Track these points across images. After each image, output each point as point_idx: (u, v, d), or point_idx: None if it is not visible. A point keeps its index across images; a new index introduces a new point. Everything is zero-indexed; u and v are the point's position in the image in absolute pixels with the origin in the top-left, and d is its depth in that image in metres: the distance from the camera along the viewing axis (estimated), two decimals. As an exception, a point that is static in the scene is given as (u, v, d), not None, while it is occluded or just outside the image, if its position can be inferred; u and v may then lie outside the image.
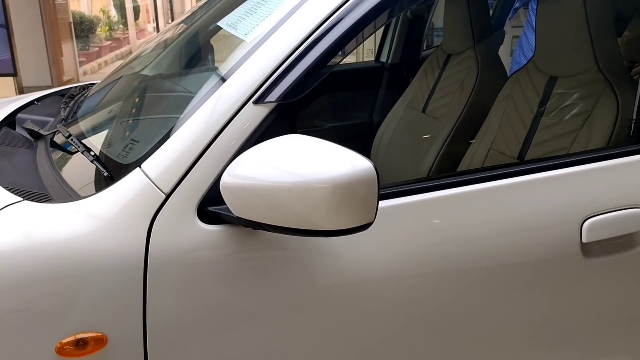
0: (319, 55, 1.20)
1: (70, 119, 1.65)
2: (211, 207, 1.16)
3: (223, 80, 1.24)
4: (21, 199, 1.21)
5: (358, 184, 1.00)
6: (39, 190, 1.29)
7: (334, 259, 1.21)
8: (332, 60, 1.23)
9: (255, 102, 1.18)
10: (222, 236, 1.16)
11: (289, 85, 1.18)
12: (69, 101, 1.85)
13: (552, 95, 1.82)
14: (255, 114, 1.18)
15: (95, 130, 1.52)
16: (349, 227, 1.03)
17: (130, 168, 1.21)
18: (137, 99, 1.60)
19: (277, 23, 1.27)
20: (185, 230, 1.15)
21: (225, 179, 1.09)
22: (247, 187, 1.06)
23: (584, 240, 1.33)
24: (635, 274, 1.41)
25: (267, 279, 1.19)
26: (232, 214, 1.12)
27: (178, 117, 1.25)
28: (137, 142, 1.33)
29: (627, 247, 1.37)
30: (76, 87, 2.12)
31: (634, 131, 1.46)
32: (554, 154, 1.74)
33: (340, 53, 1.23)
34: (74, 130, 1.52)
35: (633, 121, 1.46)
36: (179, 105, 1.30)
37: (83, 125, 1.55)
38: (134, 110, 1.52)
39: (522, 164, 1.35)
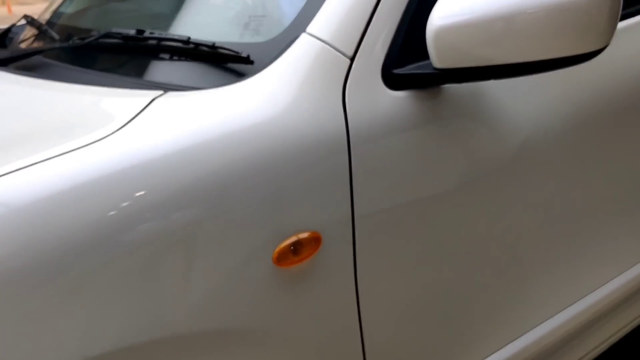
0: None
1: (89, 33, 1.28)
2: (396, 69, 1.00)
3: None
4: (162, 91, 0.93)
5: (602, 2, 0.92)
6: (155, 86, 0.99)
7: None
8: None
9: None
10: (413, 103, 1.01)
11: None
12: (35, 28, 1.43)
13: None
14: None
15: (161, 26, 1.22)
16: (589, 52, 0.95)
17: (278, 41, 0.99)
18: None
19: None
20: (376, 99, 0.98)
21: (435, 23, 0.93)
22: (469, 23, 0.92)
23: None
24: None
25: (471, 138, 1.08)
26: (431, 70, 0.97)
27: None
28: (264, 16, 1.09)
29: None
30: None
31: None
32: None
33: None
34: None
35: None
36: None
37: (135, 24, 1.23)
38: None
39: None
